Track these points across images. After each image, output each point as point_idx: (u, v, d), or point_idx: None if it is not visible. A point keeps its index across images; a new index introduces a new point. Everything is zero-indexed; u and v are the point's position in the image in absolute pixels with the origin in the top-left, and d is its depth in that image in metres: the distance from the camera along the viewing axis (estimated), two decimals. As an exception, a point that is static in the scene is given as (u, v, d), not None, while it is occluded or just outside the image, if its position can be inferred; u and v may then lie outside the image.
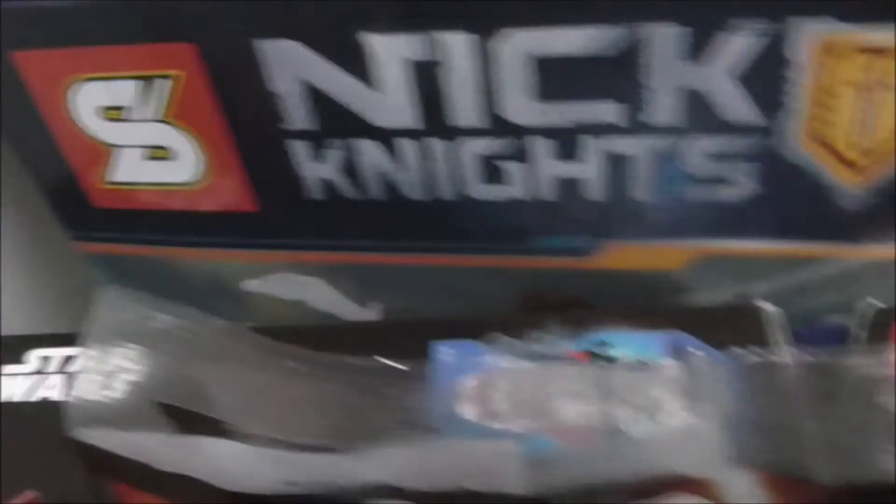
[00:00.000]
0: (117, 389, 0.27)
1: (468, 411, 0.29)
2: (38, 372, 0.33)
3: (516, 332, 0.31)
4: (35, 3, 0.28)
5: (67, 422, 0.28)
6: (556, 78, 0.27)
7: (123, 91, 0.30)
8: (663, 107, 0.27)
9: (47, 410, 0.32)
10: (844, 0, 0.24)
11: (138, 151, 0.31)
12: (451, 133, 0.29)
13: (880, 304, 0.29)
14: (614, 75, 0.26)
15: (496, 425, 0.29)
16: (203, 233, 0.34)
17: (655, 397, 0.29)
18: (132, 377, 0.27)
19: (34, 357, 0.34)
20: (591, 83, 0.27)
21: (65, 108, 0.31)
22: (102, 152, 0.32)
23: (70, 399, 0.28)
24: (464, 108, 0.28)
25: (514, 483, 0.26)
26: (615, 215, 0.30)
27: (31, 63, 0.30)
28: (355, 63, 0.27)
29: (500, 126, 0.28)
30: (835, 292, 0.30)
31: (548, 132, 0.28)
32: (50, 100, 0.31)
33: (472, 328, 0.32)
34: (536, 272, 0.32)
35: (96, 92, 0.30)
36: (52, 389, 0.32)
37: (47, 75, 0.30)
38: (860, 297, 0.28)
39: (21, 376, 0.33)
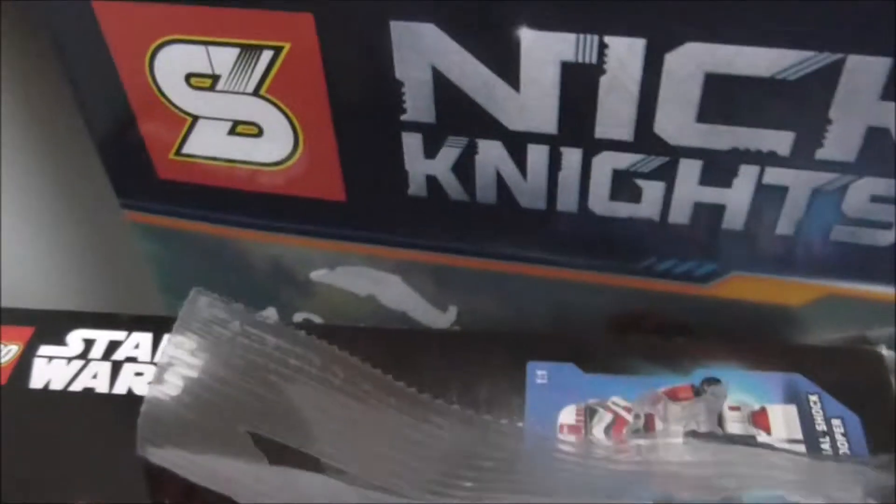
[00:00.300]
0: (196, 408, 0.24)
1: (567, 446, 0.27)
2: (81, 357, 0.29)
3: (613, 356, 0.29)
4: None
5: (139, 439, 0.24)
6: (725, 99, 0.24)
7: (219, 58, 0.26)
8: (839, 142, 0.24)
9: (92, 405, 0.28)
10: None
11: (223, 125, 0.28)
12: (591, 144, 0.26)
13: None
14: (793, 103, 0.23)
15: (598, 462, 0.27)
16: (276, 217, 0.30)
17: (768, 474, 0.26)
18: (214, 396, 0.24)
19: (76, 339, 0.30)
20: (765, 109, 0.24)
21: (146, 70, 0.27)
22: (180, 121, 0.28)
23: (142, 414, 0.24)
24: (614, 119, 0.25)
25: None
26: (750, 247, 0.27)
27: (116, 16, 0.26)
28: (501, 58, 0.24)
29: (649, 143, 0.25)
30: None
31: (701, 154, 0.25)
32: (130, 58, 0.27)
33: (566, 347, 0.29)
34: (643, 294, 0.30)
35: (187, 56, 0.26)
36: (96, 380, 0.29)
37: (132, 32, 0.26)
38: None
39: (61, 360, 0.29)
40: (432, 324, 0.33)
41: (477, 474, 0.24)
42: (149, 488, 0.24)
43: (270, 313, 0.34)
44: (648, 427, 0.27)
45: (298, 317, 0.34)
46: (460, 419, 0.25)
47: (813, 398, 0.28)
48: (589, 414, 0.27)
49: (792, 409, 0.27)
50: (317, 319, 0.34)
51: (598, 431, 0.27)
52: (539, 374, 0.28)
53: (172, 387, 0.24)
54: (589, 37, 0.23)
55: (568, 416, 0.27)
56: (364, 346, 0.27)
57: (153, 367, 0.29)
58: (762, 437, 0.27)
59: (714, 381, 0.28)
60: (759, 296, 0.29)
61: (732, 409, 0.27)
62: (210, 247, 0.32)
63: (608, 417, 0.27)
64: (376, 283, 0.32)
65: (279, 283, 0.33)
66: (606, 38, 0.23)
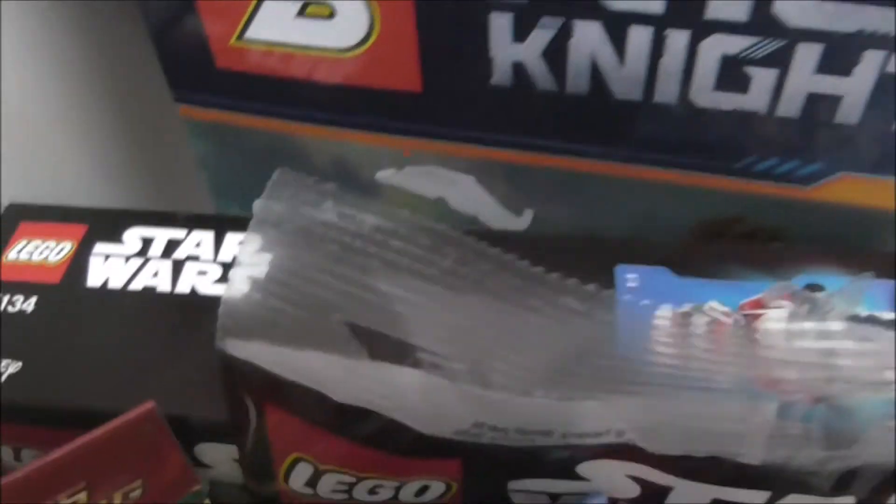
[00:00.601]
0: (284, 297, 0.22)
1: (664, 352, 0.25)
2: (140, 255, 0.27)
3: (707, 260, 0.27)
4: None
5: (219, 330, 0.22)
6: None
7: (293, -74, 0.23)
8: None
9: (153, 303, 0.26)
10: None
11: (292, 5, 0.25)
12: (700, 26, 0.23)
13: None
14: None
15: (692, 371, 0.25)
16: (342, 110, 0.28)
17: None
18: (304, 284, 0.22)
19: (133, 237, 0.28)
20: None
21: (212, -60, 0.24)
22: (244, 1, 0.25)
23: (223, 302, 0.22)
24: (726, -2, 0.22)
25: (754, 450, 0.22)
26: (862, 144, 0.25)
27: None
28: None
29: (765, 24, 0.23)
30: None
31: (822, 37, 0.23)
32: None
33: (655, 251, 0.27)
34: (735, 197, 0.27)
35: (257, -77, 0.24)
36: (157, 278, 0.27)
37: None
38: None
39: (119, 258, 0.27)
40: (505, 228, 0.30)
41: (592, 372, 0.22)
42: (225, 384, 0.22)
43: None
44: (749, 332, 0.25)
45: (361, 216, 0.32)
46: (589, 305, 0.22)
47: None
48: (686, 318, 0.25)
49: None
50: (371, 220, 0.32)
51: (696, 335, 0.25)
52: (629, 277, 0.26)
53: (257, 274, 0.21)
54: None
55: (663, 318, 0.25)
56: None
57: (218, 266, 0.27)
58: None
59: (817, 286, 0.26)
60: (864, 199, 0.26)
61: (838, 314, 0.25)
62: (268, 144, 0.30)
63: (706, 321, 0.25)
64: (447, 184, 0.29)
65: (345, 185, 0.30)
66: None
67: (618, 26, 0.24)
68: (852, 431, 0.22)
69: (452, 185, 0.29)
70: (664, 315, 0.25)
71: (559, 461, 0.23)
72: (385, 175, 0.30)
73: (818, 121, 0.25)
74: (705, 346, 0.25)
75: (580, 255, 0.27)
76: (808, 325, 0.25)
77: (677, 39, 0.23)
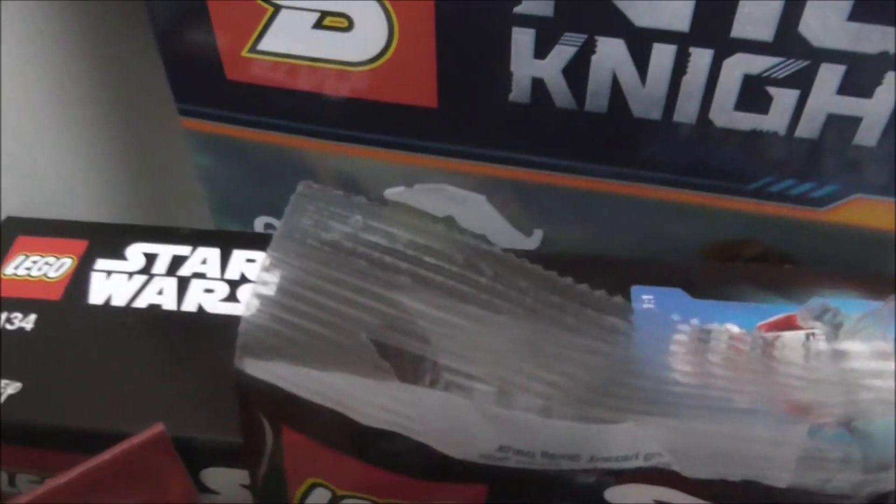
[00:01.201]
0: (306, 315, 0.20)
1: (682, 374, 0.24)
2: (143, 272, 0.26)
3: (721, 282, 0.26)
4: None
5: (238, 349, 0.21)
6: (885, -4, 0.21)
7: (314, -65, 0.22)
8: None
9: (158, 321, 0.25)
10: None
11: (310, 16, 0.24)
12: (725, 44, 0.23)
13: None
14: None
15: (715, 392, 0.24)
16: (354, 125, 0.27)
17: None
18: (329, 300, 0.20)
19: (136, 253, 0.26)
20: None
21: (229, -52, 0.23)
22: (260, 11, 0.24)
23: (243, 320, 0.21)
24: (755, 15, 0.22)
25: (786, 474, 0.21)
26: (880, 167, 0.24)
27: None
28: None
29: (790, 44, 0.22)
30: None
31: (845, 58, 0.22)
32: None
33: (669, 273, 0.26)
34: (748, 218, 0.27)
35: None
36: (162, 296, 0.25)
37: None
38: None
39: (122, 274, 0.26)
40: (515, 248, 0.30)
41: (622, 392, 0.21)
42: (241, 405, 0.21)
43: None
44: (767, 355, 0.24)
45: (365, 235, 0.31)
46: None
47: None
48: (703, 338, 0.25)
49: None
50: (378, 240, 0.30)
51: (715, 355, 0.24)
52: (645, 298, 0.25)
53: (278, 291, 0.20)
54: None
55: (681, 338, 0.25)
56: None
57: (225, 284, 0.26)
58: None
59: (833, 310, 0.25)
60: (879, 222, 0.26)
61: (857, 339, 0.25)
62: (273, 159, 0.28)
63: (724, 342, 0.25)
64: (457, 202, 0.28)
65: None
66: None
67: (641, 43, 0.23)
68: (885, 455, 0.21)
69: (462, 203, 0.28)
70: (684, 332, 0.25)
71: (586, 486, 0.22)
72: (394, 192, 0.29)
73: (836, 142, 0.24)
74: (725, 367, 0.24)
75: (594, 275, 0.26)
76: (834, 347, 0.25)
77: (701, 57, 0.23)
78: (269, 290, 0.20)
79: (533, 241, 0.29)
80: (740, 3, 0.22)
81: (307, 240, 0.20)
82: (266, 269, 0.20)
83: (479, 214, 0.29)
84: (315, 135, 0.27)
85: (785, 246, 0.27)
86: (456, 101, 0.25)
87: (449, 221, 0.29)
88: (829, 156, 0.25)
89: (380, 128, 0.27)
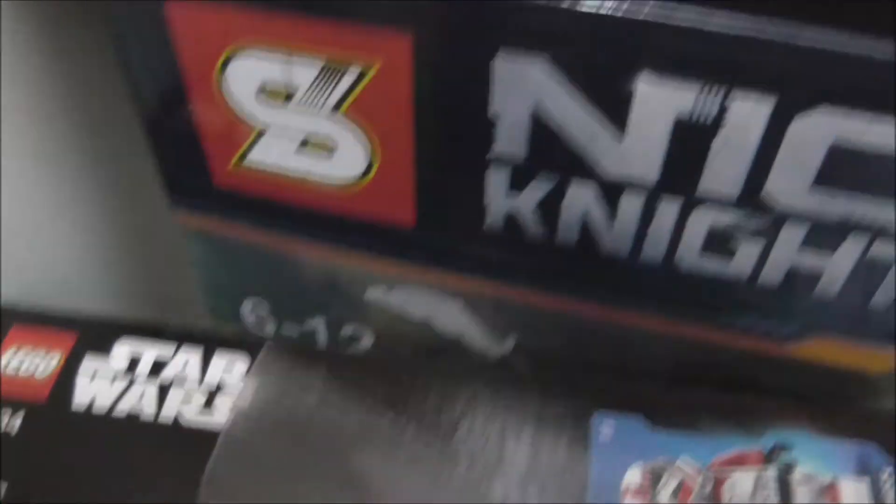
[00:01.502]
0: (262, 479, 0.21)
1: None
2: (127, 374, 0.27)
3: (682, 410, 0.27)
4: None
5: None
6: (848, 168, 0.21)
7: (298, 72, 0.23)
8: (963, 223, 0.22)
9: (137, 430, 0.26)
10: None
11: (294, 139, 0.25)
12: (691, 198, 0.23)
13: None
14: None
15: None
16: (337, 235, 0.27)
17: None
18: (279, 479, 0.21)
19: (122, 352, 0.27)
20: (889, 182, 0.21)
21: (216, 77, 0.24)
22: (246, 131, 0.25)
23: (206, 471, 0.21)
24: (721, 176, 0.22)
25: None
26: (839, 314, 0.25)
27: (190, 18, 0.23)
28: (611, 103, 0.21)
29: (754, 203, 0.23)
30: None
31: (808, 219, 0.23)
32: (200, 64, 0.24)
33: (632, 397, 0.27)
34: (716, 346, 0.27)
35: (262, 66, 0.23)
36: (142, 403, 0.26)
37: (206, 36, 0.23)
38: None
39: (105, 377, 0.27)
40: (487, 352, 0.30)
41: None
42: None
43: (318, 323, 0.31)
44: (716, 495, 0.25)
45: (347, 329, 0.31)
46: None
47: (886, 471, 0.26)
48: (655, 476, 0.25)
49: (863, 486, 0.25)
50: (366, 336, 0.31)
51: (664, 496, 0.25)
52: (605, 431, 0.26)
53: (241, 445, 0.21)
54: (713, 90, 0.20)
55: (633, 477, 0.25)
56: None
57: (202, 395, 0.26)
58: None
59: (785, 447, 0.26)
60: (839, 360, 0.26)
61: (802, 480, 0.25)
62: (262, 256, 0.29)
63: (675, 481, 0.25)
64: (433, 307, 0.29)
65: (332, 297, 0.30)
66: (732, 94, 0.20)
67: (611, 190, 0.23)
68: None
69: (438, 308, 0.29)
70: (635, 474, 0.25)
71: None
72: (374, 294, 0.29)
73: (798, 290, 0.24)
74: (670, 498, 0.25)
75: (560, 397, 0.27)
76: (774, 488, 0.25)
77: (668, 207, 0.23)
78: (232, 443, 0.21)
79: (506, 347, 0.30)
80: (708, 160, 0.22)
81: (266, 407, 0.21)
82: (231, 422, 0.21)
83: (453, 319, 0.29)
84: (301, 240, 0.28)
85: (750, 373, 0.28)
86: (432, 224, 0.26)
87: (426, 324, 0.30)
88: (791, 301, 0.25)
89: (362, 240, 0.27)
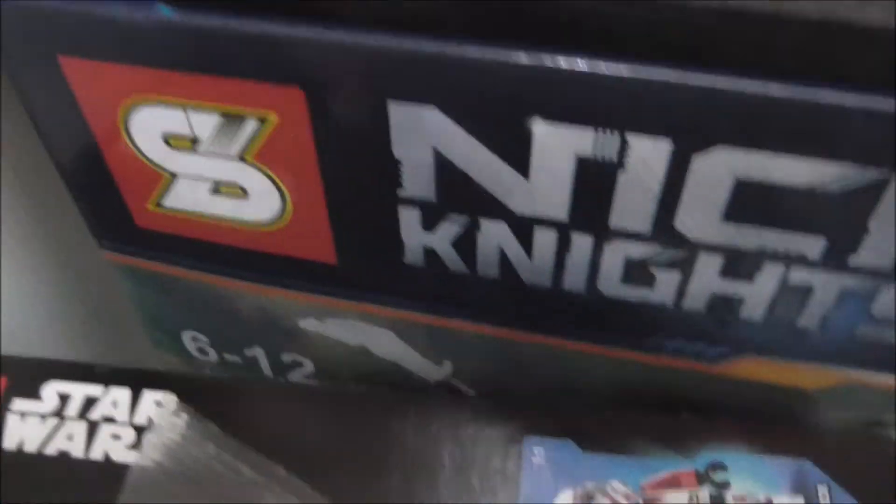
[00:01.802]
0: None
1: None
2: (56, 414, 0.27)
3: (614, 433, 0.26)
4: (93, 8, 0.20)
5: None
6: (755, 203, 0.21)
7: (199, 122, 0.22)
8: (875, 250, 0.21)
9: (67, 469, 0.26)
10: None
11: (205, 185, 0.24)
12: (604, 233, 0.22)
13: None
14: (829, 212, 0.20)
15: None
16: (263, 271, 0.27)
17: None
18: None
19: (51, 392, 0.27)
20: (797, 215, 0.21)
21: (121, 128, 0.23)
22: (158, 177, 0.24)
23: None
24: (631, 212, 0.22)
25: None
26: (766, 335, 0.24)
27: (84, 73, 0.22)
28: (510, 146, 0.21)
29: (667, 237, 0.22)
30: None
31: (723, 251, 0.22)
32: (102, 116, 0.23)
33: (564, 422, 0.26)
34: (649, 368, 0.27)
35: (163, 117, 0.22)
36: (71, 442, 0.26)
37: (103, 90, 0.22)
38: None
39: (35, 416, 0.26)
40: (427, 376, 0.30)
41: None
42: None
43: (258, 353, 0.31)
44: (649, 520, 0.25)
45: (287, 357, 0.31)
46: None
47: (822, 489, 0.25)
48: (586, 500, 0.25)
49: (798, 502, 0.25)
50: (306, 362, 0.31)
51: None
52: (536, 454, 0.26)
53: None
54: (609, 133, 0.20)
55: (564, 500, 0.25)
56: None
57: (131, 430, 0.26)
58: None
59: (719, 466, 0.25)
60: (772, 378, 0.26)
61: (736, 499, 0.25)
62: (193, 291, 0.29)
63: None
64: (368, 335, 0.29)
65: (267, 327, 0.30)
66: (628, 137, 0.20)
67: (523, 227, 0.23)
68: None
69: (373, 337, 0.29)
70: (566, 497, 0.25)
71: None
72: (308, 324, 0.29)
73: (723, 315, 0.24)
74: None
75: (493, 423, 0.26)
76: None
77: (581, 241, 0.23)
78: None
79: (444, 371, 0.29)
80: (615, 198, 0.21)
81: (165, 462, 0.21)
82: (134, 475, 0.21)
83: (389, 346, 0.29)
84: (228, 275, 0.28)
85: (688, 394, 0.27)
86: (354, 261, 0.26)
87: (363, 350, 0.29)
88: (717, 324, 0.24)
89: (287, 276, 0.27)
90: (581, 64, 0.19)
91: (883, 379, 0.25)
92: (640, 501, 0.25)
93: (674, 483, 0.25)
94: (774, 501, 0.25)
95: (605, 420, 0.26)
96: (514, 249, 0.24)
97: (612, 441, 0.26)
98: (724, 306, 0.24)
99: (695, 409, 0.27)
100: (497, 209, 0.22)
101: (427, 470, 0.25)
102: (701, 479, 0.25)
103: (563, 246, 0.23)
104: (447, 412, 0.26)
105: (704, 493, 0.25)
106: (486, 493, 0.25)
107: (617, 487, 0.25)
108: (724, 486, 0.25)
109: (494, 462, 0.25)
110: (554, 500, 0.25)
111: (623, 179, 0.21)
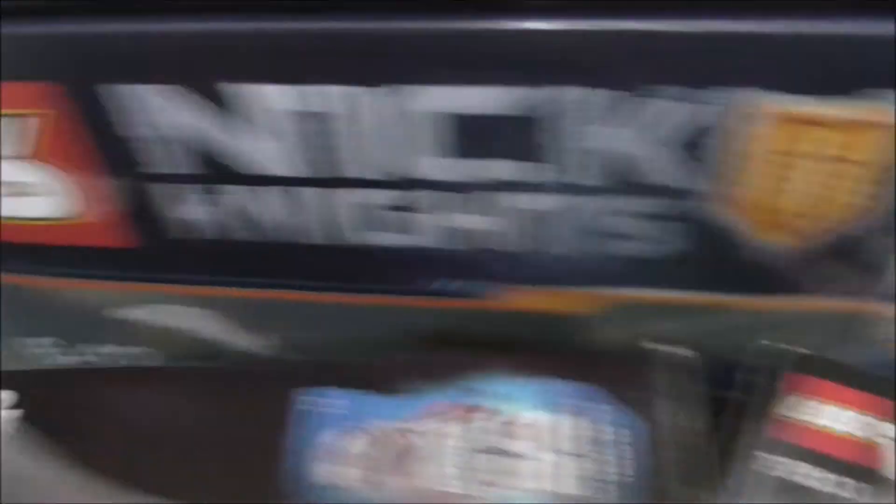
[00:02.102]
0: None
1: (323, 472, 0.25)
2: None
3: (381, 374, 0.27)
4: None
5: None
6: (462, 135, 0.23)
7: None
8: (580, 167, 0.23)
9: None
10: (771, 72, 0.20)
11: (-7, 187, 0.26)
12: (331, 183, 0.24)
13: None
14: (527, 135, 0.22)
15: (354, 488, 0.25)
16: (71, 265, 0.29)
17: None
18: None
19: None
20: (504, 142, 0.23)
21: None
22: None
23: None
24: (352, 159, 0.24)
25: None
26: (522, 265, 0.26)
27: None
28: (221, 108, 0.23)
29: (399, 179, 0.24)
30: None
31: (455, 187, 0.24)
32: None
33: (333, 372, 0.28)
34: (424, 311, 0.28)
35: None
36: None
37: None
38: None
39: None
40: (255, 351, 0.32)
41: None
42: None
43: (96, 348, 0.33)
44: (411, 451, 0.26)
45: (129, 350, 0.33)
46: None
47: (597, 407, 0.26)
48: (349, 438, 0.26)
49: (566, 421, 0.26)
50: (146, 351, 0.33)
51: (356, 457, 0.25)
52: (303, 402, 0.27)
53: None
54: (308, 87, 0.22)
55: (327, 440, 0.26)
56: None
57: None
58: (535, 451, 0.26)
59: (487, 394, 0.27)
60: (541, 306, 0.28)
61: (505, 423, 0.26)
62: (11, 292, 0.30)
63: (367, 440, 0.26)
64: (187, 317, 0.30)
65: (87, 322, 0.31)
66: (327, 89, 0.22)
67: (257, 186, 0.25)
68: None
69: (191, 317, 0.30)
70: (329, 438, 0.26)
71: None
72: (128, 312, 0.31)
73: (477, 249, 0.26)
74: (369, 466, 0.25)
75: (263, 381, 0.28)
76: (477, 437, 0.26)
77: (311, 195, 0.25)
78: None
79: (270, 342, 0.31)
80: (335, 150, 0.23)
81: None
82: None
83: (208, 324, 0.31)
84: (36, 275, 0.29)
85: (467, 330, 0.29)
86: (149, 242, 0.27)
87: (192, 332, 0.31)
88: (472, 261, 0.26)
89: (95, 265, 0.29)
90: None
91: (652, 295, 0.27)
92: (406, 434, 0.26)
93: (441, 416, 0.26)
94: (558, 427, 0.26)
95: (380, 366, 0.27)
96: (252, 209, 0.26)
97: (379, 382, 0.27)
98: (473, 242, 0.26)
99: (475, 345, 0.29)
100: (231, 173, 0.24)
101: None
102: (469, 409, 0.26)
103: (295, 200, 0.25)
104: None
105: (476, 424, 0.26)
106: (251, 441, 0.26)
107: (378, 423, 0.26)
108: (494, 413, 0.26)
109: (262, 413, 0.27)
110: (317, 441, 0.26)
111: (338, 128, 0.23)
